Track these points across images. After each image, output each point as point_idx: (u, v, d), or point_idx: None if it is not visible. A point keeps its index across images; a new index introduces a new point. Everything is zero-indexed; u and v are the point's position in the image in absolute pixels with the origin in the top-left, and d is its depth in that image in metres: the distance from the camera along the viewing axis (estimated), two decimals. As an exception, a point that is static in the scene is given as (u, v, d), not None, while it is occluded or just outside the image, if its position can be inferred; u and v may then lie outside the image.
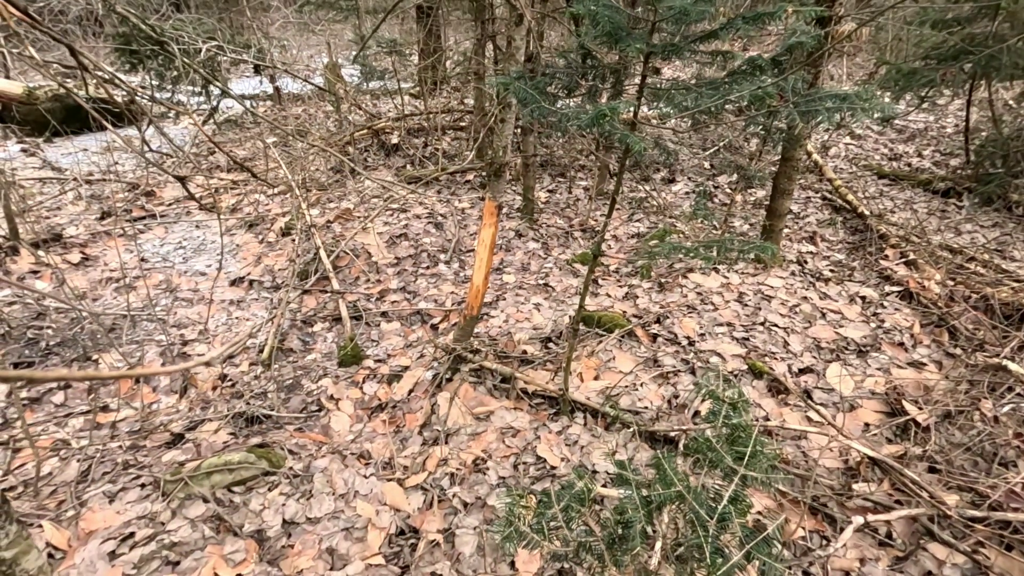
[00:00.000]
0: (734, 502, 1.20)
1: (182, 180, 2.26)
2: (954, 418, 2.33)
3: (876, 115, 1.35)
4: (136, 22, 2.57)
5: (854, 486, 2.09)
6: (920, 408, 2.38)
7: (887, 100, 7.41)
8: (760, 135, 2.76)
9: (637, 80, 1.59)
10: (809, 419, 2.42)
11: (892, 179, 5.30)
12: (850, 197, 4.50)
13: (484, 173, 5.29)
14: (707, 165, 5.74)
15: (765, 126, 2.03)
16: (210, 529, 1.93)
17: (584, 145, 5.77)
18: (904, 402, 2.41)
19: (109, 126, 2.02)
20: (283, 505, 2.07)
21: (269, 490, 2.13)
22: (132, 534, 1.89)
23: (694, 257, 1.44)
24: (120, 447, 2.47)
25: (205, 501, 2.00)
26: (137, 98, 2.84)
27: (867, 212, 4.22)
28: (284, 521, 2.02)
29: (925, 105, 5.87)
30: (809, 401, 2.48)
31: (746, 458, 1.41)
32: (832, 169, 5.44)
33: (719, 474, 1.46)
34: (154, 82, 5.57)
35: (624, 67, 1.68)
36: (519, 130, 4.77)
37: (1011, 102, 6.47)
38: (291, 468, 2.24)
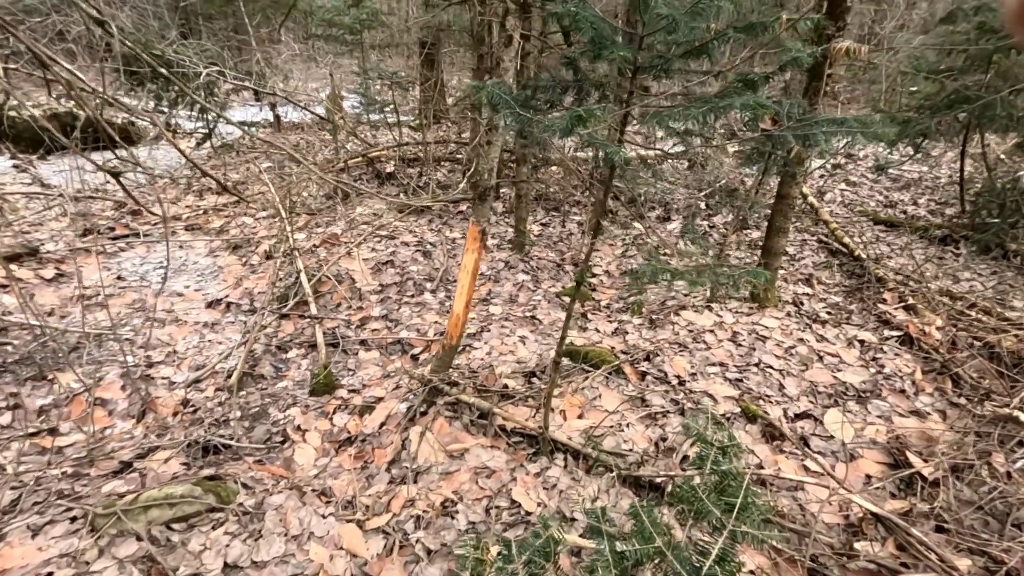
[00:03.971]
0: (721, 561, 1.04)
1: (139, 205, 2.15)
2: (962, 472, 2.16)
3: (874, 141, 1.25)
4: (127, 44, 2.53)
5: (856, 545, 1.91)
6: (925, 460, 2.22)
7: (882, 149, 7.48)
8: (755, 161, 2.68)
9: (625, 98, 1.50)
10: (806, 468, 2.25)
11: (888, 225, 5.25)
12: (846, 240, 4.43)
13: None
14: (703, 205, 5.71)
15: (760, 149, 1.97)
16: (139, 572, 1.72)
17: (579, 181, 5.75)
18: (908, 453, 2.25)
19: (72, 145, 1.93)
20: (227, 546, 1.87)
21: (213, 528, 1.93)
22: (51, 574, 1.69)
23: (681, 279, 1.32)
24: (63, 474, 2.28)
25: (138, 539, 1.80)
26: (136, 118, 2.77)
27: (864, 255, 4.13)
28: (226, 564, 1.82)
29: (919, 155, 5.90)
30: (806, 449, 2.31)
31: (736, 510, 1.25)
32: (828, 213, 5.40)
33: (707, 527, 1.30)
34: (150, 103, 5.57)
35: (617, 84, 1.59)
36: (514, 163, 4.74)
37: (1003, 156, 6.52)
38: (241, 504, 2.05)
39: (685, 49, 1.29)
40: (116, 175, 2.14)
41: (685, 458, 2.26)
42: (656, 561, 1.06)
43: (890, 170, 7.04)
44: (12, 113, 6.46)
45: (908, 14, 7.60)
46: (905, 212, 5.68)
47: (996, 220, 4.66)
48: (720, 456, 1.41)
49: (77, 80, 3.57)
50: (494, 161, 2.36)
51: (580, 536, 1.93)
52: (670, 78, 1.57)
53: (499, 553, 1.04)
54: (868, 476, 2.24)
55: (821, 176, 6.72)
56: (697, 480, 1.34)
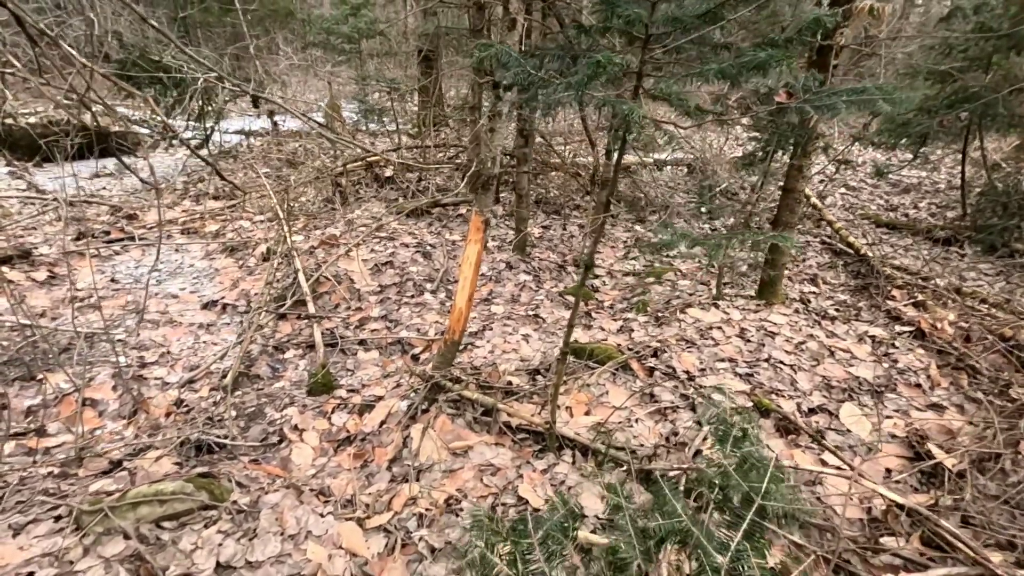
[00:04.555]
0: (749, 537, 0.96)
1: (120, 216, 2.08)
2: (985, 464, 2.08)
3: (899, 111, 1.21)
4: (151, 36, 2.49)
5: (881, 540, 1.82)
6: (948, 453, 2.14)
7: (880, 155, 7.50)
8: (759, 161, 2.63)
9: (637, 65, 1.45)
10: (824, 462, 2.17)
11: (890, 228, 5.23)
12: (851, 239, 4.39)
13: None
14: (703, 209, 5.67)
15: (775, 122, 1.92)
16: (127, 571, 1.63)
17: (579, 184, 5.72)
18: (930, 445, 2.17)
19: (63, 152, 1.87)
20: (220, 545, 1.78)
21: (206, 526, 1.84)
22: (32, 574, 1.59)
23: (703, 246, 1.26)
24: (49, 474, 2.18)
25: (126, 537, 1.71)
26: (134, 124, 2.72)
27: (871, 254, 4.09)
28: (218, 564, 1.72)
29: (917, 160, 5.90)
30: (823, 442, 2.23)
31: (762, 491, 1.17)
32: (830, 215, 5.38)
33: (727, 518, 1.22)
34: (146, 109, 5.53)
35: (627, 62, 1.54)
36: (514, 165, 4.70)
37: (1000, 160, 6.53)
38: (235, 502, 1.95)
39: (703, 10, 1.24)
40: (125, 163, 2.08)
41: (698, 452, 2.18)
42: (680, 538, 0.98)
43: (890, 175, 7.05)
44: (9, 120, 6.42)
45: (903, 21, 7.67)
46: (907, 215, 5.66)
47: (999, 221, 4.64)
48: (741, 436, 1.34)
49: (80, 85, 3.52)
50: (497, 149, 2.31)
51: (592, 532, 1.85)
52: (682, 51, 1.52)
53: (512, 528, 0.96)
54: (888, 470, 2.16)
55: (821, 181, 6.71)
56: (722, 461, 1.27)
